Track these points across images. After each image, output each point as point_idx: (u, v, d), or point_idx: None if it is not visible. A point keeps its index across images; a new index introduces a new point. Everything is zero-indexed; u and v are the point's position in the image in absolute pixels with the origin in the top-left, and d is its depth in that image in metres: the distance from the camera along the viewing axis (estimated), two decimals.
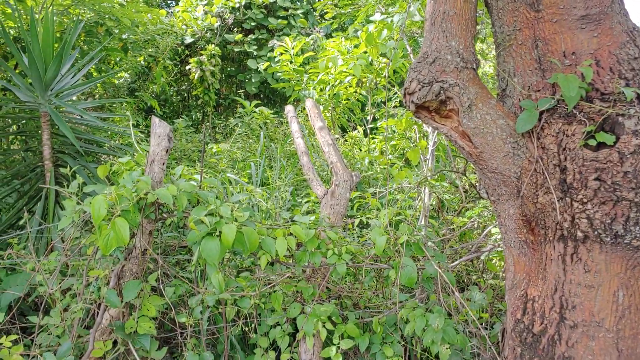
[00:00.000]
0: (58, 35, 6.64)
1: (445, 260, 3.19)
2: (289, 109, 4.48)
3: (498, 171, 2.24)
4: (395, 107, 7.30)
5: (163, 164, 2.92)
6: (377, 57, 3.61)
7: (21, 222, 5.05)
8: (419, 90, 2.23)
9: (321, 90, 7.53)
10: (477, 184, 3.83)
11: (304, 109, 7.67)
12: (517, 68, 2.30)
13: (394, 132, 7.08)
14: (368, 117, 7.53)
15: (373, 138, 7.69)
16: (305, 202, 4.31)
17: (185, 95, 12.09)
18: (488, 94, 2.26)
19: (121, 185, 2.78)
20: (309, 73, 7.53)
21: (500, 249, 3.74)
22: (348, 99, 7.55)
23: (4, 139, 6.11)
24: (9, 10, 5.89)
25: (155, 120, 2.91)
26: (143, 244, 2.98)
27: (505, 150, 2.19)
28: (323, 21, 11.59)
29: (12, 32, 6.42)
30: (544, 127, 2.14)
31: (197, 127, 11.22)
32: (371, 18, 2.94)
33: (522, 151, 2.18)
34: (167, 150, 2.91)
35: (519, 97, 2.28)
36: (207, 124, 10.70)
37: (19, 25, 5.48)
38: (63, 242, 4.38)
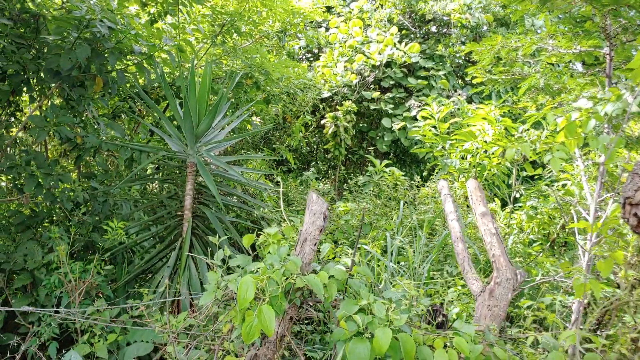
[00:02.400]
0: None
1: None
2: (442, 184, 4.08)
3: None
4: (547, 185, 6.63)
5: (315, 244, 2.63)
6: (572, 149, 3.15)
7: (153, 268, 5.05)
8: None
9: (463, 158, 7.06)
10: None
11: (444, 174, 7.22)
12: None
13: (536, 208, 6.42)
14: (512, 193, 6.92)
15: (512, 212, 7.04)
16: (452, 292, 3.83)
17: (315, 147, 12.12)
18: None
19: (268, 263, 2.52)
20: (452, 140, 7.11)
21: None
22: (491, 170, 7.01)
23: (151, 185, 6.30)
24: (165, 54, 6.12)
25: (312, 196, 2.64)
26: (282, 330, 2.68)
27: None
28: (465, 83, 11.18)
29: (167, 77, 6.70)
30: None
31: (323, 180, 11.14)
32: (575, 104, 2.53)
33: None
34: (321, 230, 2.62)
35: None
36: (334, 177, 10.56)
37: (177, 72, 5.66)
38: (192, 304, 4.25)
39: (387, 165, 9.34)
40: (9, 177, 4.99)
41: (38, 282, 4.46)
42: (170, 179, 5.34)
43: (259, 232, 3.01)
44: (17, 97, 5.22)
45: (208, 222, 4.92)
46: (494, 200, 7.58)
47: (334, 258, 3.03)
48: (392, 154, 11.73)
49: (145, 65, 5.15)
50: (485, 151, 6.47)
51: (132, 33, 4.68)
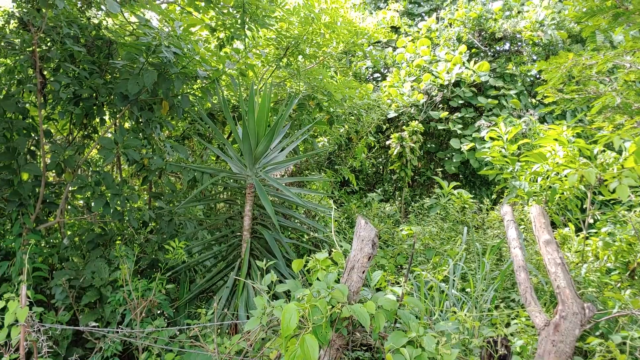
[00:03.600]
0: (272, 105, 6.94)
1: None
2: (505, 210, 3.90)
3: None
4: (628, 210, 6.22)
5: (363, 272, 2.55)
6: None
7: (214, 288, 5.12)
8: None
9: (532, 180, 6.76)
10: None
11: (510, 196, 6.94)
12: None
13: (614, 235, 6.01)
14: (587, 218, 6.54)
15: (587, 239, 6.63)
16: (515, 323, 3.61)
17: (381, 167, 12.00)
18: None
19: (315, 290, 2.47)
20: (522, 161, 6.82)
21: None
22: (563, 193, 6.66)
23: (214, 206, 6.43)
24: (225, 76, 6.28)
25: (360, 221, 2.57)
26: None
27: None
28: (538, 102, 10.76)
29: (231, 99, 6.87)
30: None
31: (388, 201, 10.98)
32: None
33: None
34: (369, 258, 2.54)
35: None
36: (400, 199, 10.39)
37: (239, 95, 5.77)
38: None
39: (455, 187, 9.09)
40: (81, 196, 5.25)
41: (104, 299, 4.62)
42: (232, 199, 5.43)
43: (309, 256, 2.97)
44: (90, 120, 5.50)
45: (267, 243, 4.94)
46: (566, 226, 7.20)
47: (391, 284, 2.94)
48: (460, 176, 11.43)
49: (210, 89, 5.29)
50: (557, 173, 6.16)
51: (196, 58, 4.82)
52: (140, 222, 5.14)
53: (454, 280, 5.06)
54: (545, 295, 4.79)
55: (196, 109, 5.60)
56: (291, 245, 5.63)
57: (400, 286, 2.83)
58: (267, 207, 4.32)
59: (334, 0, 7.26)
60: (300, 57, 7.27)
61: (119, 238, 5.37)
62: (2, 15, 5.08)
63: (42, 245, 5.02)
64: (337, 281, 2.63)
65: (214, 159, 7.20)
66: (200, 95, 5.62)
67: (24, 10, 4.73)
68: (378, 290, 3.12)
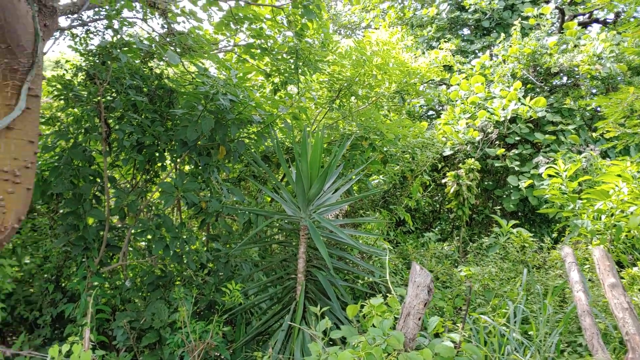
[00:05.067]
0: (325, 145, 7.02)
1: None
2: (566, 252, 3.75)
3: None
4: None
5: (419, 318, 2.50)
6: None
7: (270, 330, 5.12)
8: None
9: (595, 218, 6.49)
10: None
11: (574, 236, 6.67)
12: None
13: None
14: None
15: None
16: None
17: (437, 206, 11.83)
18: None
19: (370, 337, 2.44)
20: (583, 199, 6.58)
21: None
22: (630, 231, 6.35)
23: (269, 247, 6.49)
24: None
25: (415, 267, 2.54)
26: None
27: None
28: (598, 137, 10.41)
29: (285, 141, 7.00)
30: None
31: (446, 240, 10.76)
32: None
33: None
34: (425, 304, 2.49)
35: None
36: (458, 239, 10.17)
37: (292, 138, 5.88)
38: None
39: (514, 226, 8.82)
40: (142, 239, 5.43)
41: (163, 341, 4.71)
42: (287, 241, 5.47)
43: (364, 302, 2.95)
44: (153, 166, 5.73)
45: (322, 286, 4.93)
46: (635, 265, 6.85)
47: (448, 330, 2.87)
48: (519, 214, 11.10)
49: (264, 133, 5.42)
50: (622, 211, 5.90)
51: (251, 104, 4.98)
52: (198, 264, 5.25)
53: (514, 323, 4.87)
54: (614, 341, 4.53)
55: (251, 151, 5.74)
56: (346, 288, 5.59)
57: (458, 332, 2.76)
58: (321, 250, 4.33)
59: (386, 43, 7.36)
60: (352, 98, 7.37)
61: (178, 280, 5.49)
62: (70, 68, 5.41)
63: (105, 287, 5.19)
64: (393, 327, 2.59)
65: (269, 200, 7.32)
66: (255, 138, 5.76)
67: (91, 63, 5.03)
68: (436, 336, 3.04)
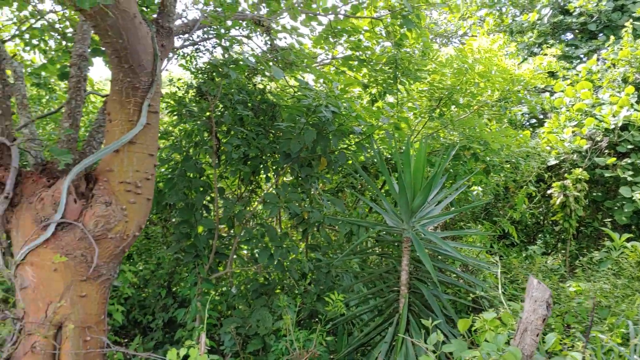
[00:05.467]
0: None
1: None
2: None
3: None
4: None
5: (537, 335, 2.39)
6: None
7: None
8: None
9: None
10: None
11: None
12: None
13: None
14: None
15: None
16: None
17: (541, 218, 11.28)
18: None
19: (484, 352, 2.36)
20: None
21: None
22: None
23: (368, 258, 6.48)
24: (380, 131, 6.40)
25: (533, 281, 2.44)
26: None
27: None
28: None
29: (384, 152, 6.97)
30: None
31: (550, 254, 10.22)
32: None
33: None
34: (543, 320, 2.38)
35: None
36: (565, 252, 9.63)
37: (393, 149, 5.86)
38: None
39: (628, 240, 8.22)
40: (248, 247, 5.61)
41: (268, 348, 4.83)
42: (387, 253, 5.44)
43: (476, 316, 2.86)
44: (256, 177, 5.92)
45: (424, 299, 4.85)
46: None
47: (561, 350, 2.73)
48: (633, 227, 10.32)
49: (365, 143, 5.44)
50: None
51: (352, 115, 5.02)
52: (300, 273, 5.35)
53: (635, 345, 4.52)
54: None
55: (350, 162, 5.77)
56: (449, 302, 5.46)
57: (579, 351, 2.61)
58: (425, 263, 4.26)
59: (487, 50, 7.17)
60: (452, 107, 7.23)
61: (279, 288, 5.62)
62: (182, 86, 5.72)
63: (213, 293, 5.41)
64: (507, 343, 2.49)
65: (367, 210, 7.32)
66: (354, 149, 5.80)
67: (201, 80, 5.30)
68: (552, 354, 2.90)
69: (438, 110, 6.97)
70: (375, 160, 6.11)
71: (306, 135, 4.76)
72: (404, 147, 5.63)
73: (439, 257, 5.34)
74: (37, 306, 3.65)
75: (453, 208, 6.83)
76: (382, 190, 6.92)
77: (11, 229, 3.85)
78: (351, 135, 5.47)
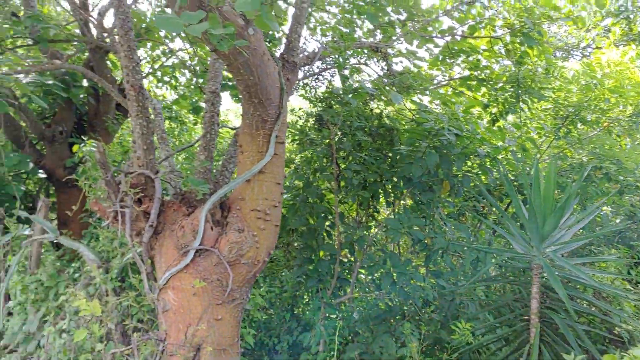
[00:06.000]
0: None
1: None
2: None
3: None
4: None
5: None
6: None
7: None
8: None
9: None
10: None
11: None
12: None
13: None
14: None
15: None
16: None
17: None
18: None
19: None
20: None
21: None
22: None
23: (492, 285, 6.22)
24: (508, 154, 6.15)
25: None
26: None
27: None
28: None
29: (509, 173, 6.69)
30: None
31: None
32: None
33: None
34: None
35: None
36: None
37: (519, 170, 5.63)
38: None
39: None
40: (367, 273, 5.61)
41: None
42: (515, 280, 5.19)
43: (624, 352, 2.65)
44: (375, 202, 5.93)
45: (557, 329, 4.56)
46: None
47: None
48: None
49: (488, 165, 5.28)
50: None
51: (477, 137, 4.89)
52: (423, 300, 5.25)
53: None
54: None
55: (476, 185, 5.61)
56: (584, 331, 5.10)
57: None
58: (559, 291, 4.03)
59: (618, 63, 6.70)
60: (580, 124, 6.82)
61: (401, 314, 5.54)
62: (302, 115, 5.90)
63: (334, 318, 5.45)
64: None
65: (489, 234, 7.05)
66: (477, 172, 5.64)
67: (321, 109, 5.44)
68: None
69: (563, 129, 6.60)
70: (499, 182, 5.89)
71: (429, 159, 4.71)
72: (530, 169, 5.39)
73: (569, 283, 5.02)
74: (178, 328, 3.87)
75: (582, 231, 6.39)
76: (509, 213, 6.63)
77: (154, 255, 4.14)
78: (475, 158, 5.33)
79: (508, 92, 6.32)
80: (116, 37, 6.04)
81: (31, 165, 7.19)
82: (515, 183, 5.79)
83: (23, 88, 4.07)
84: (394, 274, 4.96)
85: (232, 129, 5.80)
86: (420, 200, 5.27)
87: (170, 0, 3.17)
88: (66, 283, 5.66)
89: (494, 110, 6.64)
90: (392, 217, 5.17)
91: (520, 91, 6.09)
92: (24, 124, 7.18)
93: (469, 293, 5.63)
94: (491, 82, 6.40)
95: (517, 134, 5.77)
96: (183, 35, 6.16)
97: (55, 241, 5.30)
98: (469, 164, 5.56)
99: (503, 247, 5.52)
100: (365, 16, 5.71)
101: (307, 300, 5.79)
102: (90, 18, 6.60)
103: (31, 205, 8.26)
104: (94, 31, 7.13)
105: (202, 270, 3.91)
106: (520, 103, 6.14)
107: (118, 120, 7.37)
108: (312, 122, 5.84)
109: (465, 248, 4.94)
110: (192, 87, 7.12)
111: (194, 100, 7.12)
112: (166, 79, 7.73)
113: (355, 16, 6.08)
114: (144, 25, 6.79)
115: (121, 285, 5.14)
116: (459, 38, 6.29)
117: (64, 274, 5.77)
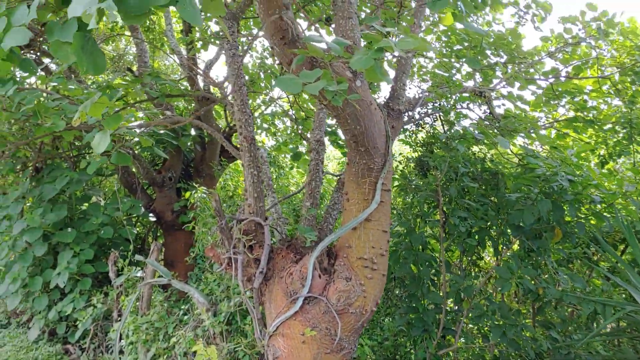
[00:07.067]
0: None
1: None
2: None
3: None
4: None
5: None
6: None
7: None
8: None
9: None
10: None
11: None
12: None
13: None
14: None
15: None
16: None
17: None
18: None
19: None
20: None
21: None
22: None
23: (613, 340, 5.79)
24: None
25: None
26: None
27: None
28: None
29: (624, 220, 6.29)
30: None
31: None
32: None
33: None
34: None
35: None
36: None
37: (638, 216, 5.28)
38: None
39: None
40: (472, 322, 5.40)
41: None
42: (637, 334, 4.81)
43: None
44: (480, 250, 5.75)
45: None
46: None
47: None
48: None
49: (609, 213, 5.00)
50: None
51: (593, 183, 4.66)
52: (536, 353, 4.97)
53: None
54: None
55: (591, 231, 5.32)
56: None
57: None
58: None
59: None
60: None
61: None
62: (402, 161, 5.88)
63: None
64: None
65: (599, 284, 6.61)
66: (590, 218, 5.35)
67: (424, 154, 5.41)
68: None
69: None
70: (615, 228, 5.54)
71: (541, 206, 4.52)
72: None
73: None
74: None
75: None
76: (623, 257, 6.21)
77: (264, 302, 4.22)
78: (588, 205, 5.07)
79: (619, 134, 6.02)
80: (227, 89, 6.40)
81: (142, 209, 7.64)
82: (633, 229, 5.43)
83: (146, 142, 4.34)
84: (504, 325, 4.75)
85: (335, 175, 5.87)
86: (531, 248, 5.05)
87: (283, 60, 3.30)
88: (174, 324, 5.88)
89: (602, 152, 6.33)
90: (500, 265, 4.98)
91: (632, 132, 5.78)
92: (135, 170, 7.68)
93: (586, 347, 5.28)
94: (599, 123, 6.12)
95: (638, 178, 5.43)
96: None
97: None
98: (584, 210, 5.29)
99: (622, 300, 5.15)
100: (464, 59, 5.70)
101: (408, 349, 5.65)
102: (199, 71, 7.02)
103: (139, 247, 8.75)
104: (200, 83, 7.58)
105: (310, 318, 3.92)
106: (633, 145, 5.82)
107: (222, 166, 7.71)
108: (413, 167, 5.82)
109: (583, 299, 4.64)
110: (293, 134, 7.33)
111: (293, 146, 7.32)
112: (265, 125, 8.02)
113: (454, 59, 6.08)
114: (246, 77, 7.13)
115: (227, 328, 5.27)
116: (563, 79, 6.10)
117: (173, 316, 6.01)
